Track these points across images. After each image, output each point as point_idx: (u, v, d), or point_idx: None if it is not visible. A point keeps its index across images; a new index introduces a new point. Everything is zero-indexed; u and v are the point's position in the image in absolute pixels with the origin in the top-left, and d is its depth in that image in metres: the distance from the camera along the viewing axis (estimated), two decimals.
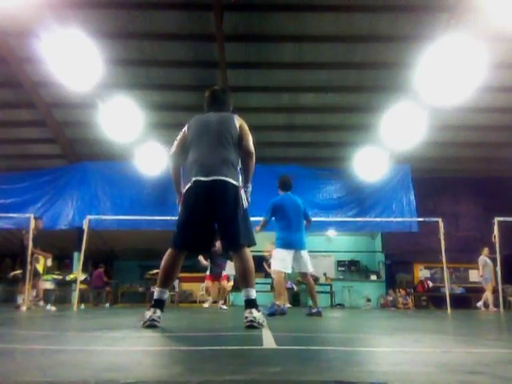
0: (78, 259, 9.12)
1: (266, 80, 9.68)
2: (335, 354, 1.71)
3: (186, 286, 14.62)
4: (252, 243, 2.87)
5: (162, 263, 2.92)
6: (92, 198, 11.12)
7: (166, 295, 2.95)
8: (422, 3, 7.57)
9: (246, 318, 2.67)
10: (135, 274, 15.53)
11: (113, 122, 9.00)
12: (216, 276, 9.05)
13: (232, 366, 1.34)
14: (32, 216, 7.81)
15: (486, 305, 9.89)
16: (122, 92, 8.94)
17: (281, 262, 5.23)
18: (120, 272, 15.71)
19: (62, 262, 13.96)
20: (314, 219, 10.75)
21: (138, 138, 9.84)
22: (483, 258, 9.90)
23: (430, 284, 12.63)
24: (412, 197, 11.33)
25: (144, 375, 1.18)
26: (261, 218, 5.51)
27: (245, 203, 2.86)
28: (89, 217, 8.39)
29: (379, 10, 7.74)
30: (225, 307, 8.91)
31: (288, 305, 9.58)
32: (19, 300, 7.61)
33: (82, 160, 11.50)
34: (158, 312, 2.78)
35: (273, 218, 5.45)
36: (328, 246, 14.42)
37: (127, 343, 2.03)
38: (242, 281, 2.80)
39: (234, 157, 2.91)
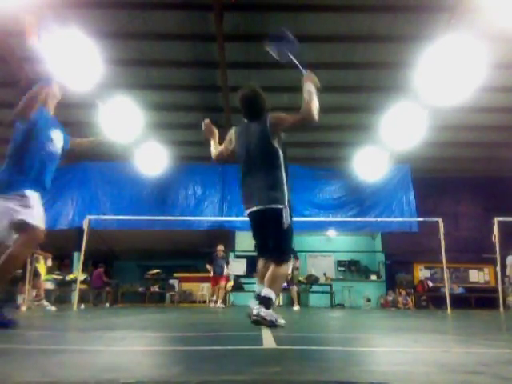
0: (78, 259, 9.12)
1: (265, 80, 9.68)
2: (335, 354, 1.71)
3: (186, 285, 14.62)
4: (287, 260, 3.00)
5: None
6: (92, 197, 11.13)
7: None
8: (422, 3, 7.56)
9: (253, 312, 2.70)
10: (135, 273, 15.54)
11: (113, 121, 9.00)
12: (217, 277, 10.13)
13: (232, 366, 1.34)
14: None
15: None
16: (121, 92, 8.93)
17: None
18: (120, 272, 15.70)
19: (62, 262, 13.96)
20: (314, 219, 10.90)
21: (137, 138, 9.83)
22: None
23: (430, 284, 12.63)
24: (412, 197, 11.33)
25: (144, 375, 1.18)
26: None
27: (286, 222, 2.98)
28: (89, 217, 8.40)
29: (379, 9, 7.73)
30: (222, 305, 9.92)
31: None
32: (19, 300, 7.61)
33: (82, 160, 11.49)
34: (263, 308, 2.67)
35: None
36: (328, 246, 14.42)
37: (127, 343, 2.03)
38: (266, 281, 2.91)
39: (274, 176, 3.02)
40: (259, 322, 2.62)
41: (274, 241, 3.01)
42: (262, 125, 3.08)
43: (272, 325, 2.64)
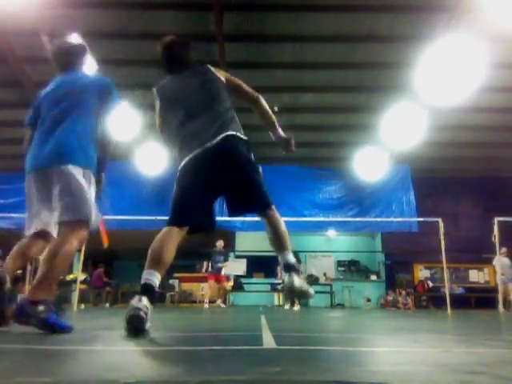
0: (78, 259, 9.12)
1: (266, 80, 9.68)
2: (335, 354, 1.70)
3: (186, 285, 14.63)
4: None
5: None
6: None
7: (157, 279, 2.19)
8: (422, 3, 7.57)
9: (284, 282, 2.28)
10: (135, 274, 15.49)
11: (112, 122, 9.01)
12: (216, 273, 10.11)
13: (232, 365, 1.34)
14: None
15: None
16: (122, 92, 8.94)
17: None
18: (120, 272, 15.72)
19: None
20: (314, 219, 10.90)
21: (137, 138, 9.83)
22: (498, 258, 9.56)
23: (430, 284, 12.65)
24: (412, 197, 11.34)
25: (144, 375, 1.18)
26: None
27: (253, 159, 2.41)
28: None
29: (379, 10, 7.73)
30: (223, 305, 10.00)
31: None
32: (19, 300, 7.61)
33: None
34: (145, 300, 2.07)
35: None
36: (328, 246, 14.43)
37: (127, 343, 2.02)
38: (279, 245, 2.36)
39: (230, 114, 2.50)
40: (298, 292, 2.23)
41: (252, 182, 2.35)
42: (202, 72, 2.72)
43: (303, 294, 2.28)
